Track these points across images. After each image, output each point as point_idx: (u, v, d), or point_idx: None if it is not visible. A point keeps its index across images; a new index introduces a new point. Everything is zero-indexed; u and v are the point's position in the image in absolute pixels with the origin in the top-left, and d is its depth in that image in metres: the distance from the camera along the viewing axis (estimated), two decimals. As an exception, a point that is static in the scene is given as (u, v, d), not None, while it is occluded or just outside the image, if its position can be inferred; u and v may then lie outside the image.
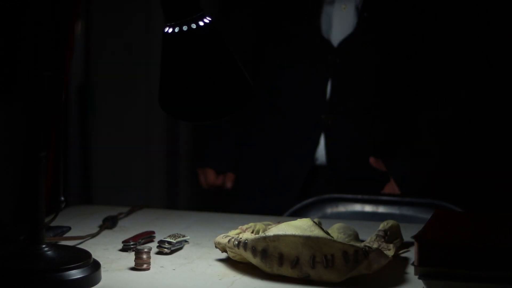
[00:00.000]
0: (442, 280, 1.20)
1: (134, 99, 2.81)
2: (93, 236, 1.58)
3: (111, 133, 2.75)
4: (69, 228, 1.57)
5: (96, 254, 1.40)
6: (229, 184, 2.27)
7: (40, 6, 1.25)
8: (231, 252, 1.38)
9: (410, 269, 1.37)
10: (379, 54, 2.18)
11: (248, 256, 1.34)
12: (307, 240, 1.28)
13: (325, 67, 2.17)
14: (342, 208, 2.16)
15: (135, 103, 2.81)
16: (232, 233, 1.42)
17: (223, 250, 1.40)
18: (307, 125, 2.19)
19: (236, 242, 1.35)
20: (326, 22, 2.16)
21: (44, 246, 1.30)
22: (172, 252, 1.48)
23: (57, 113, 1.29)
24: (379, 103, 2.22)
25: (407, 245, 1.51)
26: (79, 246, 1.51)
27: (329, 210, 2.15)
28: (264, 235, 1.31)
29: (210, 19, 1.31)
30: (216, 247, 1.42)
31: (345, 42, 2.14)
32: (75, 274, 1.26)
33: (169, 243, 1.47)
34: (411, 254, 1.48)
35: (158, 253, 1.47)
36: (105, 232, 1.63)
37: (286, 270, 1.31)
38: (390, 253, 1.40)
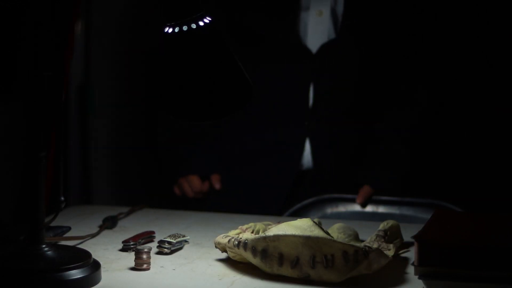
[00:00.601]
0: (442, 280, 1.20)
1: (134, 99, 2.81)
2: (93, 236, 1.58)
3: (111, 133, 2.75)
4: (69, 228, 1.57)
5: (96, 254, 1.40)
6: (217, 186, 2.25)
7: (40, 6, 1.25)
8: (231, 252, 1.38)
9: (410, 269, 1.37)
10: (359, 58, 2.20)
11: (248, 256, 1.34)
12: (307, 240, 1.28)
13: (306, 73, 2.18)
14: (342, 208, 2.16)
15: (135, 103, 2.81)
16: (232, 233, 1.42)
17: (223, 250, 1.40)
18: (291, 132, 2.20)
19: (236, 242, 1.35)
20: (302, 29, 2.16)
21: (44, 246, 1.30)
22: (172, 252, 1.48)
23: (57, 113, 1.29)
24: (359, 107, 2.24)
25: (407, 245, 1.51)
26: (79, 246, 1.51)
27: (329, 210, 2.16)
28: (264, 235, 1.31)
29: (210, 19, 1.31)
30: (216, 247, 1.42)
31: (323, 47, 2.15)
32: (75, 274, 1.26)
33: (169, 243, 1.47)
34: (411, 254, 1.48)
35: (158, 253, 1.47)
36: (105, 232, 1.63)
37: (286, 270, 1.31)
38: (390, 253, 1.40)
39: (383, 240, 1.44)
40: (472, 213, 1.43)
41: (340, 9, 2.16)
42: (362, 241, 1.52)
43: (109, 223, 1.65)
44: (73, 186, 2.56)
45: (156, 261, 1.42)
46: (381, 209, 2.14)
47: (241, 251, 1.34)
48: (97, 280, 1.30)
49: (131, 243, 1.49)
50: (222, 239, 1.39)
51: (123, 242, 1.50)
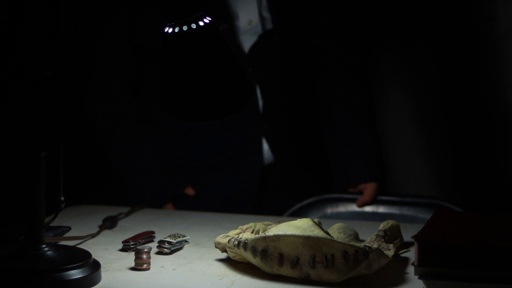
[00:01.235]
0: (442, 280, 1.20)
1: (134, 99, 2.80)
2: (93, 236, 1.58)
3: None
4: (69, 228, 1.57)
5: (96, 254, 1.40)
6: (191, 192, 2.25)
7: (40, 6, 1.25)
8: (231, 252, 1.38)
9: (410, 269, 1.37)
10: (283, 54, 2.26)
11: (248, 256, 1.34)
12: (307, 240, 1.28)
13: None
14: (342, 208, 2.16)
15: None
16: (232, 233, 1.42)
17: (223, 250, 1.40)
18: (247, 135, 2.22)
19: (236, 242, 1.35)
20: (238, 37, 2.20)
21: (44, 246, 1.30)
22: (172, 252, 1.48)
23: (57, 113, 1.29)
24: (291, 103, 2.32)
25: (407, 245, 1.51)
26: (79, 246, 1.51)
27: (329, 210, 2.16)
28: (264, 235, 1.31)
29: (210, 19, 1.31)
30: (216, 247, 1.42)
31: (252, 49, 2.18)
32: (75, 274, 1.26)
33: (169, 243, 1.47)
34: (411, 254, 1.48)
35: (158, 253, 1.47)
36: (105, 232, 1.63)
37: (286, 270, 1.31)
38: (390, 253, 1.40)
39: (383, 240, 1.44)
40: (472, 213, 1.43)
41: (267, 15, 2.22)
42: (362, 241, 1.52)
43: (109, 223, 1.65)
44: (73, 186, 2.57)
45: (156, 261, 1.42)
46: (381, 209, 2.14)
47: (241, 251, 1.34)
48: (97, 280, 1.30)
49: (131, 243, 1.49)
50: (222, 239, 1.39)
51: (123, 242, 1.50)
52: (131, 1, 2.16)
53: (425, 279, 1.21)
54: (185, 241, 1.51)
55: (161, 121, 2.22)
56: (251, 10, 2.20)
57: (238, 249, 1.35)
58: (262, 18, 2.20)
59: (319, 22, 2.27)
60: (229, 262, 1.41)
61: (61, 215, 1.38)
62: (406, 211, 2.10)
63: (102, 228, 1.63)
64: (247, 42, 2.20)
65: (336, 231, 1.52)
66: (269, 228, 1.45)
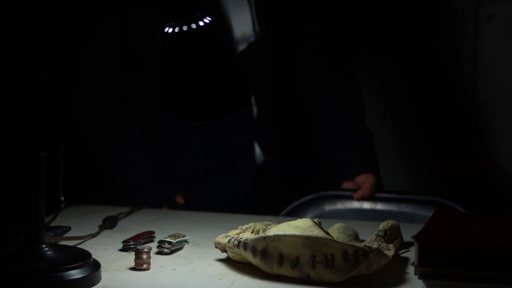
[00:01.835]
0: (442, 280, 1.20)
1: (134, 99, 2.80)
2: (93, 236, 1.58)
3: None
4: (69, 228, 1.57)
5: (96, 254, 1.40)
6: (181, 200, 2.26)
7: (40, 6, 1.25)
8: (231, 252, 1.38)
9: (410, 269, 1.37)
10: (272, 61, 2.30)
11: (248, 256, 1.34)
12: (307, 240, 1.28)
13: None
14: (340, 205, 2.16)
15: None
16: (232, 233, 1.42)
17: (223, 250, 1.40)
18: (239, 141, 2.23)
19: (236, 242, 1.35)
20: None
21: (44, 246, 1.30)
22: (172, 252, 1.48)
23: (57, 113, 1.29)
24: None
25: (407, 245, 1.51)
26: (79, 246, 1.51)
27: (327, 207, 2.16)
28: (264, 235, 1.31)
29: (210, 19, 1.31)
30: (216, 247, 1.42)
31: (241, 55, 2.21)
32: (75, 274, 1.26)
33: (169, 243, 1.47)
34: (411, 254, 1.48)
35: (158, 253, 1.47)
36: (105, 232, 1.63)
37: (286, 270, 1.31)
38: (390, 253, 1.40)
39: (383, 240, 1.44)
40: (472, 213, 1.43)
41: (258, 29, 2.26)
42: (362, 241, 1.52)
43: (109, 223, 1.65)
44: (73, 186, 2.56)
45: (156, 261, 1.42)
46: (379, 206, 2.14)
47: (241, 251, 1.34)
48: (97, 280, 1.30)
49: (131, 243, 1.49)
50: (222, 239, 1.39)
51: (123, 242, 1.50)
52: (130, 1, 2.17)
53: (425, 279, 1.21)
54: (185, 241, 1.51)
55: (153, 127, 2.22)
56: (245, 24, 2.23)
57: (238, 249, 1.35)
58: (255, 31, 2.24)
59: (305, 28, 2.30)
60: (229, 262, 1.41)
61: (61, 215, 1.38)
62: (404, 208, 2.10)
63: (102, 228, 1.63)
64: (238, 49, 2.23)
65: (336, 231, 1.52)
66: (269, 228, 1.45)
